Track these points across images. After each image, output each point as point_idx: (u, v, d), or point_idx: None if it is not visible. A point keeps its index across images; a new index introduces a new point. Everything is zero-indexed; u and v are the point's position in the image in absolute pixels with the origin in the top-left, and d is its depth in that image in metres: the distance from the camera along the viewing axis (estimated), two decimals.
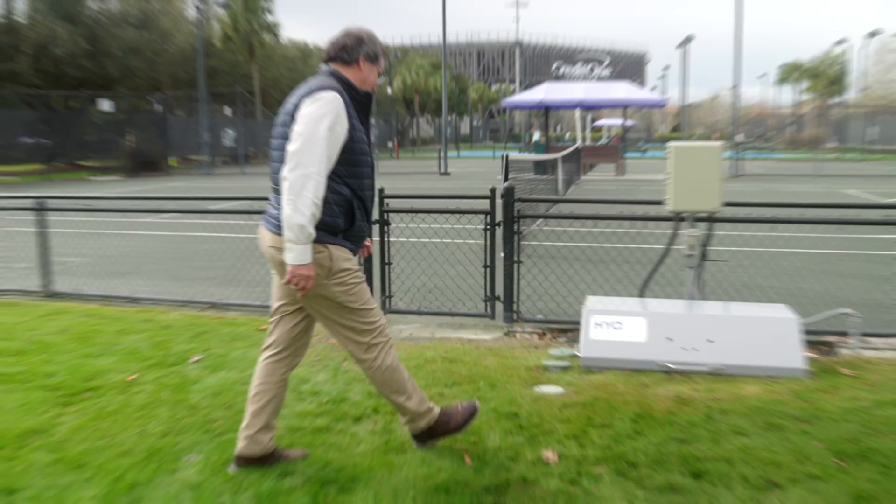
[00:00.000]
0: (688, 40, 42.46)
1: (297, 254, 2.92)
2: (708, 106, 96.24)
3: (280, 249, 3.02)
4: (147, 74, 40.30)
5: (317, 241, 3.00)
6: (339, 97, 2.99)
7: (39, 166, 30.95)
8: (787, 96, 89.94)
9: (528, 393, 4.32)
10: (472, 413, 3.50)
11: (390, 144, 52.86)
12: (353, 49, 3.11)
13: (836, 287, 6.65)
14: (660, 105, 25.93)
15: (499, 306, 5.86)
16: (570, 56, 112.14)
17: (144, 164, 30.57)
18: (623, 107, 26.44)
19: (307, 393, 4.34)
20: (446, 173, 26.54)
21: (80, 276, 8.10)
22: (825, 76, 64.72)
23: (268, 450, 3.30)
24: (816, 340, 5.34)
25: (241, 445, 3.28)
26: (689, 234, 5.02)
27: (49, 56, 35.68)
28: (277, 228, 3.05)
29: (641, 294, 5.34)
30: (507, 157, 9.21)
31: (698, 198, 4.91)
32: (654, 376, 4.55)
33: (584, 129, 35.38)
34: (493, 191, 5.81)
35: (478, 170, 33.47)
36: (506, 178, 9.12)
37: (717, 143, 4.85)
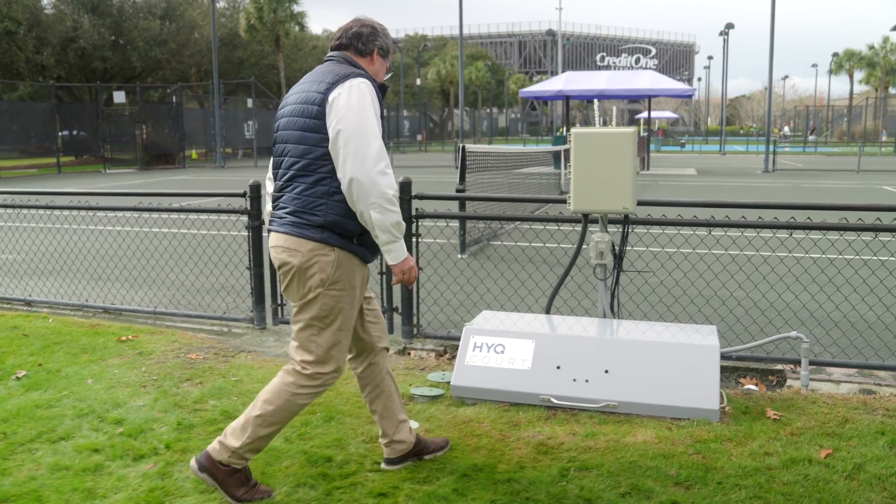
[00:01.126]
0: (728, 28, 40.86)
1: (398, 251, 2.77)
2: (759, 97, 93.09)
3: (288, 249, 2.76)
4: (172, 66, 40.33)
5: (324, 241, 2.73)
6: (371, 84, 2.78)
7: (70, 158, 31.18)
8: (843, 87, 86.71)
9: (367, 431, 3.55)
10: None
11: (419, 137, 52.16)
12: (368, 40, 2.92)
13: (802, 302, 5.71)
14: (687, 95, 24.61)
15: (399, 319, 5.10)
16: (614, 47, 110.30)
17: (159, 157, 30.41)
18: (647, 97, 25.19)
19: (109, 421, 3.66)
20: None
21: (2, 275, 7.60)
22: (885, 64, 61.42)
23: (412, 443, 3.18)
24: (765, 369, 4.48)
25: (386, 452, 3.18)
26: (598, 239, 4.17)
27: (74, 48, 35.88)
28: (287, 227, 2.79)
29: (547, 310, 4.50)
30: (463, 149, 8.38)
31: (606, 196, 4.06)
32: (533, 413, 3.74)
33: (602, 121, 34.13)
34: (253, 188, 5.16)
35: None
36: (461, 176, 8.29)
37: (629, 130, 3.98)
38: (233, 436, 2.85)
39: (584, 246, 4.30)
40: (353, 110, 2.67)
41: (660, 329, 4.02)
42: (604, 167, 4.03)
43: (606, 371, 3.75)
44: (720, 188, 18.24)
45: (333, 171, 2.73)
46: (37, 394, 4.05)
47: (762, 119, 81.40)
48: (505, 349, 3.95)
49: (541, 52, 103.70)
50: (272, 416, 2.84)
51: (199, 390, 4.13)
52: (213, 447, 2.88)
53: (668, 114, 65.64)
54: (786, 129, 66.15)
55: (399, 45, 71.61)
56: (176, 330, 5.41)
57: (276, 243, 2.86)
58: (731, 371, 4.50)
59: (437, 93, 69.17)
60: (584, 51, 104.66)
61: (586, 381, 3.75)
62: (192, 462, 2.92)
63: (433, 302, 5.73)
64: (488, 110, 72.81)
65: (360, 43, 2.91)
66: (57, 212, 8.12)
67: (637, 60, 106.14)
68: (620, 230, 4.27)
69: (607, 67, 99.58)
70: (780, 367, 4.46)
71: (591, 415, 3.68)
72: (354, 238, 2.80)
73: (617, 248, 4.25)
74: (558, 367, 3.82)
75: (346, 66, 2.84)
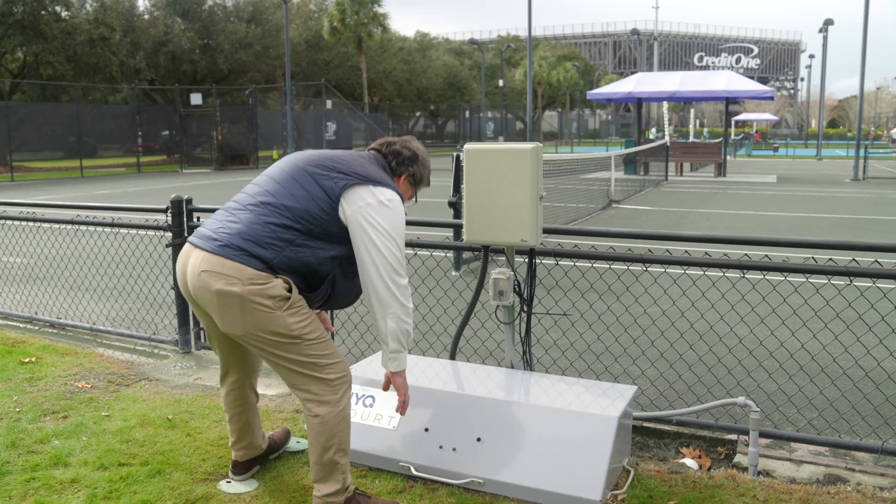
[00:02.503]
0: (827, 24, 38.23)
1: (402, 360, 2.76)
2: (870, 98, 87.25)
3: (224, 276, 2.51)
4: (257, 68, 41.28)
5: (265, 270, 2.54)
6: (400, 200, 2.73)
7: (160, 157, 32.40)
8: None
9: (192, 492, 3.06)
10: None
11: (501, 139, 51.47)
12: (403, 162, 2.86)
13: (768, 350, 4.77)
14: (766, 97, 22.92)
15: None
16: (713, 46, 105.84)
17: (233, 158, 31.05)
18: (723, 99, 23.61)
19: None
20: None
21: None
22: None
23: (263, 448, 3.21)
24: (714, 438, 3.70)
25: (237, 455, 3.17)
26: (496, 276, 3.51)
27: (164, 51, 37.25)
28: (223, 250, 2.54)
29: (452, 355, 3.87)
30: (457, 157, 7.77)
31: (502, 225, 3.41)
32: (390, 482, 3.15)
33: (671, 123, 32.33)
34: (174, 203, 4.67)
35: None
36: (455, 187, 7.68)
37: (527, 146, 3.31)
38: (330, 482, 2.75)
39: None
40: (393, 230, 2.63)
41: (562, 388, 3.33)
42: (500, 191, 3.38)
43: (479, 439, 3.10)
44: (789, 198, 16.76)
45: (310, 232, 2.59)
46: None
47: (874, 121, 76.05)
48: (374, 402, 3.37)
49: (636, 52, 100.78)
50: (337, 445, 2.72)
51: (53, 427, 3.75)
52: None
53: (768, 116, 62.22)
54: (894, 131, 61.43)
55: (490, 47, 71.13)
56: (93, 351, 5.09)
57: (207, 267, 2.53)
58: (674, 438, 3.75)
59: (525, 94, 68.12)
60: (682, 50, 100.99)
61: (454, 449, 3.12)
62: None
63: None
64: (579, 112, 71.23)
65: (394, 161, 2.85)
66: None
67: (738, 60, 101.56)
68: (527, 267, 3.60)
69: (705, 68, 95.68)
70: (733, 436, 3.67)
71: (453, 491, 3.06)
72: (295, 290, 2.63)
73: (524, 286, 3.59)
74: (426, 430, 3.21)
75: (383, 173, 2.75)
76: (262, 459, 3.31)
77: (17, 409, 3.98)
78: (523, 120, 70.61)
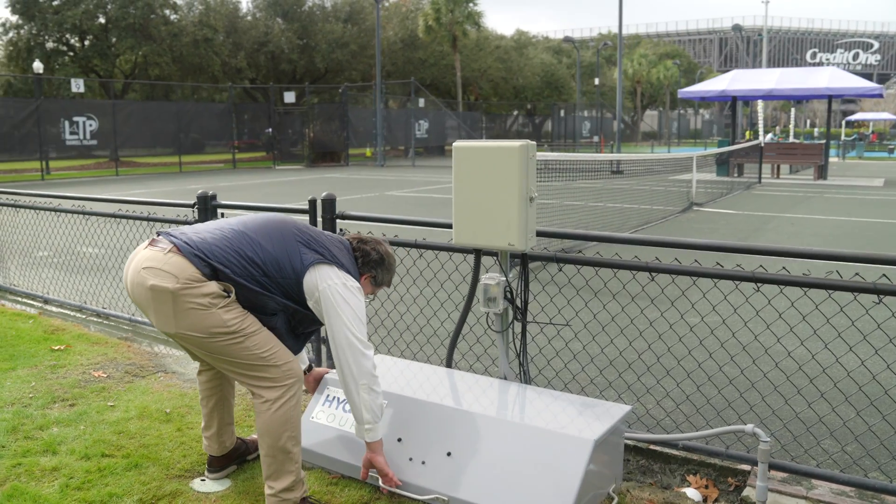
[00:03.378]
0: None
1: (377, 431, 2.81)
2: None
3: (160, 272, 2.52)
4: (354, 67, 42.10)
5: (207, 276, 2.55)
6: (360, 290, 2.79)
7: (258, 154, 33.67)
8: None
9: (161, 487, 3.05)
10: None
11: (596, 139, 50.42)
12: (369, 263, 2.90)
13: (784, 373, 4.28)
14: (875, 94, 21.29)
15: None
16: (828, 42, 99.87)
17: (324, 155, 31.76)
18: (825, 97, 22.12)
19: None
20: (618, 171, 24.37)
21: (42, 268, 7.97)
22: None
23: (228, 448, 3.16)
24: (724, 467, 3.38)
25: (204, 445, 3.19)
26: (486, 281, 3.32)
27: (265, 51, 38.56)
28: (179, 247, 2.58)
29: (448, 362, 3.70)
30: None
31: (489, 227, 3.22)
32: (358, 492, 3.03)
33: (779, 123, 30.49)
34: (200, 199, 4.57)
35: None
36: None
37: (514, 144, 3.11)
38: (283, 477, 2.72)
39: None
40: (353, 302, 2.68)
41: (547, 402, 3.12)
42: (487, 192, 3.19)
43: (449, 454, 2.94)
44: (893, 204, 15.52)
45: (270, 277, 2.63)
46: None
47: None
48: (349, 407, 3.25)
49: (743, 48, 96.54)
50: (289, 434, 2.70)
51: (57, 414, 3.84)
52: (284, 497, 2.73)
53: (888, 115, 58.18)
54: None
55: (590, 45, 69.88)
56: (122, 342, 5.21)
57: (148, 264, 2.55)
58: (682, 463, 3.44)
59: (627, 93, 66.64)
60: (793, 47, 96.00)
61: (423, 462, 2.96)
62: None
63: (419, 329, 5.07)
64: (679, 111, 68.95)
65: (362, 259, 2.89)
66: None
67: (855, 56, 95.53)
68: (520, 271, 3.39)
69: (818, 64, 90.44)
70: (747, 466, 3.34)
71: None
72: (234, 296, 2.61)
73: (516, 292, 3.38)
74: (399, 440, 3.07)
75: (350, 260, 2.81)
76: (240, 460, 3.27)
77: (31, 395, 4.11)
78: (623, 120, 69.11)
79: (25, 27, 32.83)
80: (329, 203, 4.32)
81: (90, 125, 24.76)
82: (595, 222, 10.65)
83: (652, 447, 3.49)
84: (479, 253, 3.44)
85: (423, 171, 26.65)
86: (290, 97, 31.77)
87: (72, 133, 24.34)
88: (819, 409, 3.73)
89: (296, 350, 2.91)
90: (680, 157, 15.22)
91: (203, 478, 3.19)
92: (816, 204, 14.77)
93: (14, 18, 32.91)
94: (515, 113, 59.93)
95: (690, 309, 4.06)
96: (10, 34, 33.31)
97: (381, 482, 2.92)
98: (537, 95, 56.95)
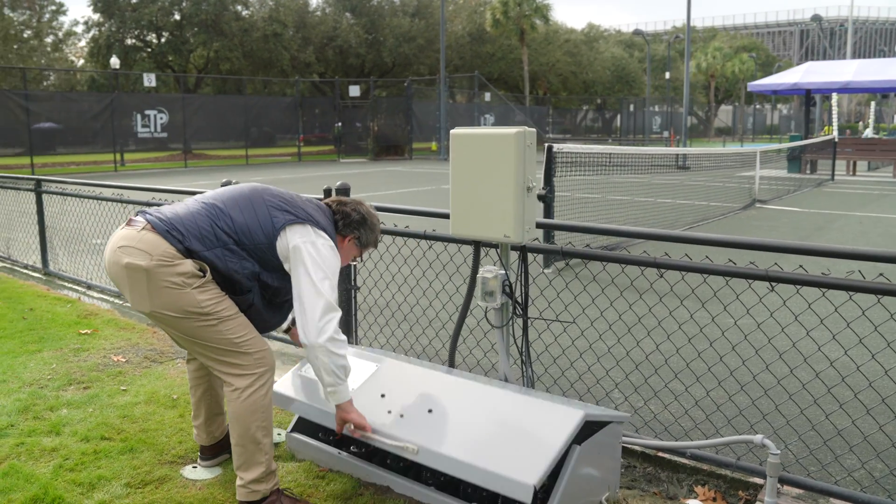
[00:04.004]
0: None
1: (342, 392, 2.72)
2: None
3: (134, 250, 2.50)
4: (421, 60, 42.24)
5: (181, 253, 2.52)
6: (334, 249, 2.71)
7: (325, 147, 34.18)
8: None
9: (151, 472, 3.06)
10: None
11: (665, 133, 49.17)
12: (350, 225, 2.84)
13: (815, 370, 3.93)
14: None
15: None
16: None
17: (388, 149, 31.95)
18: None
19: None
20: (684, 167, 23.68)
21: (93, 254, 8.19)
22: None
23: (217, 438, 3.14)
24: (736, 479, 3.17)
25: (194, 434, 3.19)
26: (484, 274, 3.20)
27: (332, 46, 39.06)
28: (152, 224, 2.56)
29: (450, 362, 3.58)
30: (549, 148, 7.33)
31: (485, 218, 3.09)
32: (342, 486, 2.97)
33: (851, 118, 28.93)
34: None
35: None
36: (546, 179, 7.26)
37: (511, 130, 2.97)
38: (251, 468, 2.67)
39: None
40: (324, 258, 2.61)
41: (519, 410, 2.94)
42: (483, 181, 3.06)
43: (430, 410, 2.84)
44: None
45: (243, 246, 2.59)
46: None
47: None
48: None
49: (826, 41, 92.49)
50: (258, 424, 2.65)
51: (70, 396, 3.92)
52: (253, 488, 2.68)
53: None
54: None
55: (663, 38, 68.21)
56: (149, 327, 5.29)
57: (123, 243, 2.55)
58: (690, 473, 3.24)
59: (700, 87, 64.72)
60: (881, 38, 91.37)
61: (401, 415, 2.88)
62: None
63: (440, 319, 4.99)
64: (755, 106, 66.54)
65: (342, 221, 2.82)
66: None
67: None
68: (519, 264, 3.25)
69: None
70: (760, 480, 3.12)
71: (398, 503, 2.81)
72: (209, 274, 2.57)
73: (514, 286, 3.24)
74: (382, 396, 3.00)
75: (326, 220, 2.73)
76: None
77: (49, 377, 4.20)
78: (696, 114, 67.17)
79: (106, 25, 34.17)
80: (343, 193, 4.27)
81: (161, 118, 25.58)
82: (645, 218, 10.34)
83: (661, 454, 3.31)
84: (478, 245, 3.32)
85: None
86: (354, 91, 32.10)
87: (143, 126, 25.19)
88: (839, 420, 3.46)
89: (279, 321, 2.90)
90: (743, 152, 14.62)
91: (195, 465, 3.18)
92: (891, 203, 13.95)
93: (96, 17, 34.32)
94: (585, 108, 59.05)
95: (700, 308, 3.82)
96: (92, 31, 34.74)
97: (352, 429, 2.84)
98: (607, 90, 55.92)
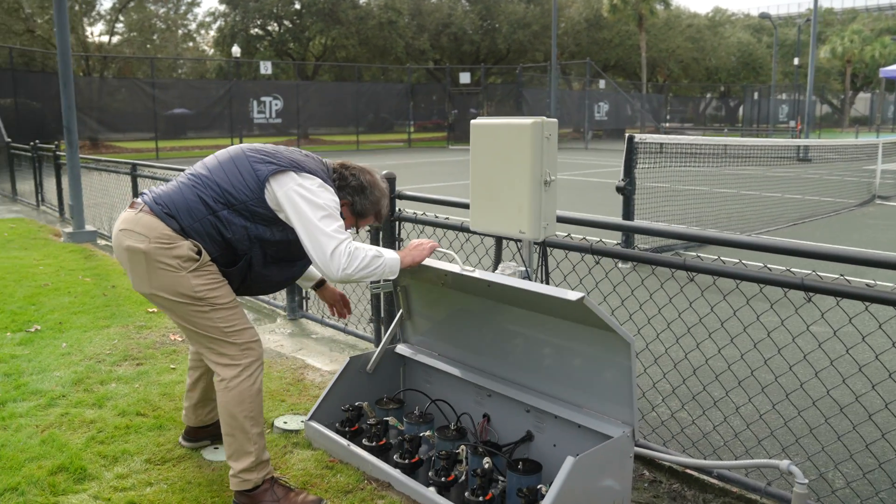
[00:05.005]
0: None
1: (391, 262, 2.66)
2: None
3: (133, 233, 2.56)
4: (536, 47, 41.71)
5: (177, 232, 2.56)
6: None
7: (437, 133, 34.50)
8: None
9: (171, 451, 3.17)
10: None
11: (793, 123, 46.24)
12: (345, 188, 2.78)
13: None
14: None
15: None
16: None
17: None
18: None
19: (9, 381, 3.80)
20: (806, 159, 22.22)
21: None
22: None
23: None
24: None
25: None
26: (504, 269, 3.08)
27: (447, 33, 39.23)
28: (148, 206, 2.61)
29: None
30: (630, 139, 6.99)
31: (502, 212, 2.97)
32: (346, 479, 2.95)
33: None
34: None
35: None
36: (626, 171, 6.96)
37: (530, 120, 2.82)
38: (241, 458, 2.67)
39: None
40: (314, 193, 2.57)
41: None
42: (500, 173, 2.94)
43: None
44: None
45: (231, 206, 2.58)
46: (18, 349, 4.43)
47: None
48: None
49: None
50: (245, 414, 2.65)
51: (122, 371, 4.12)
52: (244, 478, 2.68)
53: None
54: None
55: (796, 21, 64.13)
56: None
57: (124, 226, 2.61)
58: (718, 494, 3.00)
59: (836, 73, 60.43)
60: None
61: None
62: None
63: None
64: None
65: (339, 183, 2.76)
66: None
67: None
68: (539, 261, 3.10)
69: None
70: None
71: (395, 501, 2.76)
72: (205, 255, 2.60)
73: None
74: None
75: (320, 170, 2.69)
76: (214, 437, 3.23)
77: (108, 352, 4.43)
78: (830, 103, 62.87)
79: (230, 15, 35.82)
80: (388, 182, 4.24)
81: (276, 104, 26.58)
82: (742, 213, 9.76)
83: (688, 471, 3.10)
84: (499, 239, 3.20)
85: (595, 155, 25.86)
86: (465, 78, 32.12)
87: (259, 112, 26.27)
88: (880, 450, 3.09)
89: (290, 276, 2.86)
90: (861, 144, 13.50)
91: (216, 446, 3.25)
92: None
93: (222, 7, 36.04)
94: (708, 95, 56.50)
95: (732, 317, 3.51)
96: (219, 22, 36.52)
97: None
98: (732, 77, 53.27)
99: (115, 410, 3.60)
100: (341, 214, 2.67)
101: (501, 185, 2.94)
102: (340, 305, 3.28)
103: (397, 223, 4.24)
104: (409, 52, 38.26)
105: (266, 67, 28.97)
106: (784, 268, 2.67)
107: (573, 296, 2.35)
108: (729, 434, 3.36)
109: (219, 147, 21.79)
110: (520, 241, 3.16)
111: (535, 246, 3.11)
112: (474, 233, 3.53)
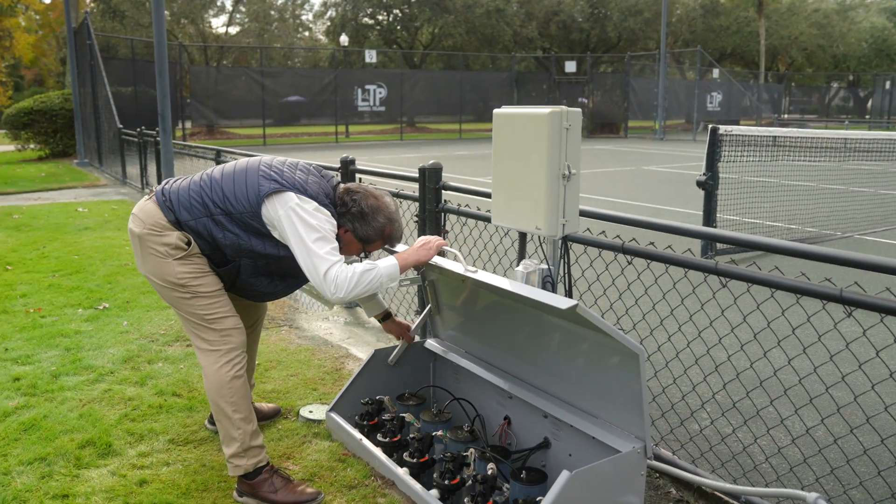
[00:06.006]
0: None
1: (390, 269, 2.64)
2: None
3: (136, 217, 2.67)
4: (649, 35, 40.34)
5: (171, 223, 2.64)
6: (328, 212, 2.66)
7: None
8: None
9: (196, 433, 3.22)
10: (306, 502, 2.69)
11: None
12: (346, 215, 2.72)
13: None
14: None
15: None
16: None
17: (603, 126, 31.04)
18: None
19: (69, 354, 4.00)
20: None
21: None
22: None
23: None
24: None
25: None
26: (521, 268, 2.93)
27: (556, 21, 38.56)
28: (156, 196, 2.72)
29: None
30: (714, 130, 6.54)
31: (521, 208, 2.83)
32: (353, 474, 2.91)
33: None
34: (430, 172, 4.32)
35: None
36: (709, 165, 6.55)
37: (547, 110, 2.66)
38: (229, 443, 2.71)
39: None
40: (310, 214, 2.56)
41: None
42: (518, 166, 2.80)
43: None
44: None
45: (229, 214, 2.62)
46: (84, 325, 4.67)
47: None
48: None
49: None
50: (225, 400, 2.68)
51: (171, 352, 4.25)
52: (236, 462, 2.72)
53: None
54: None
55: None
56: None
57: (135, 211, 2.75)
58: None
59: None
60: None
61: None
62: (235, 493, 2.77)
63: None
64: None
65: (341, 209, 2.72)
66: None
67: None
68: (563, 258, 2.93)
69: None
70: None
71: (395, 500, 2.69)
72: (194, 245, 2.67)
73: (558, 281, 2.94)
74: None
75: (322, 195, 2.65)
76: None
77: (163, 332, 4.58)
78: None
79: (342, 5, 36.60)
80: (434, 173, 4.17)
81: (380, 93, 26.96)
82: (854, 211, 9.04)
83: (717, 493, 2.86)
84: (523, 236, 3.05)
85: (702, 147, 24.79)
86: (571, 67, 31.48)
87: (363, 100, 26.73)
88: None
89: (283, 290, 2.88)
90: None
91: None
92: None
93: None
94: (835, 85, 52.99)
95: (765, 328, 3.19)
96: (330, 12, 37.41)
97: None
98: (863, 65, 49.70)
99: (154, 389, 3.71)
100: (338, 238, 2.66)
101: (520, 177, 2.80)
102: (407, 335, 3.32)
103: (442, 214, 4.15)
104: (516, 40, 37.89)
105: (371, 56, 29.44)
106: (825, 277, 2.39)
107: (565, 303, 2.19)
108: (768, 451, 3.08)
109: (325, 134, 22.34)
110: (544, 237, 3.01)
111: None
112: (481, 219, 3.40)
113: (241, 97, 25.04)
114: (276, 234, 2.65)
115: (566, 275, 2.94)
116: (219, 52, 33.46)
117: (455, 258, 2.77)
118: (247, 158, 2.83)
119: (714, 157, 6.53)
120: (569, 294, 2.96)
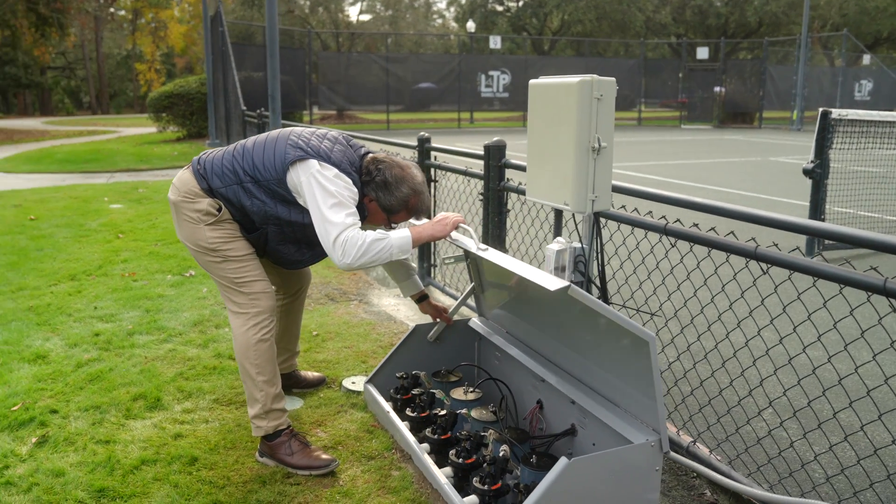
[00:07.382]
0: None
1: (403, 240, 2.61)
2: None
3: (174, 186, 2.78)
4: (793, 20, 37.79)
5: (203, 191, 2.73)
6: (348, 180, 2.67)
7: (671, 112, 32.72)
8: None
9: (242, 398, 3.34)
10: (319, 467, 2.73)
11: None
12: (369, 184, 2.73)
13: None
14: None
15: None
16: None
17: (736, 116, 29.40)
18: None
19: (148, 316, 4.26)
20: None
21: None
22: None
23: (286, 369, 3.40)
24: None
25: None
26: (552, 247, 2.81)
27: (691, 6, 36.87)
28: (193, 165, 2.83)
29: None
30: (825, 115, 5.96)
31: (551, 182, 2.71)
32: (376, 446, 2.92)
33: None
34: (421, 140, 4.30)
35: None
36: (818, 152, 6.02)
37: (577, 79, 2.52)
38: (252, 404, 2.79)
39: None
40: (329, 180, 2.59)
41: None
42: (550, 139, 2.68)
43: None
44: None
45: (257, 182, 2.69)
46: (169, 290, 4.96)
47: None
48: None
49: None
50: (252, 363, 2.74)
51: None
52: (258, 423, 2.79)
53: None
54: None
55: None
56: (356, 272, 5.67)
57: (174, 181, 2.86)
58: None
59: None
60: None
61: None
62: (257, 454, 2.84)
63: None
64: None
65: (365, 177, 2.73)
66: None
67: None
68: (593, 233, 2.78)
69: None
70: None
71: (405, 475, 2.67)
72: (225, 211, 2.74)
73: (591, 261, 2.80)
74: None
75: (346, 163, 2.67)
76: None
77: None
78: None
79: None
80: (497, 150, 4.09)
81: (503, 79, 26.83)
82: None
83: (753, 502, 2.64)
84: (559, 214, 2.93)
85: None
86: (703, 53, 30.02)
87: (486, 86, 26.70)
88: None
89: (310, 258, 2.91)
90: None
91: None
92: None
93: None
94: None
95: (806, 320, 2.85)
96: None
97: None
98: None
99: (214, 352, 3.87)
100: (362, 207, 2.69)
101: (550, 151, 2.69)
102: (444, 317, 3.31)
103: (504, 193, 4.07)
104: (649, 26, 36.60)
105: (495, 42, 29.33)
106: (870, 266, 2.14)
107: (555, 284, 2.08)
108: (828, 466, 2.80)
109: (449, 120, 22.50)
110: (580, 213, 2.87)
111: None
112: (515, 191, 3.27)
113: (368, 82, 25.65)
114: (301, 202, 2.69)
115: (599, 254, 2.79)
116: (350, 38, 34.45)
117: (469, 236, 2.70)
118: (277, 130, 2.88)
119: (824, 143, 6.01)
120: (601, 275, 2.81)
